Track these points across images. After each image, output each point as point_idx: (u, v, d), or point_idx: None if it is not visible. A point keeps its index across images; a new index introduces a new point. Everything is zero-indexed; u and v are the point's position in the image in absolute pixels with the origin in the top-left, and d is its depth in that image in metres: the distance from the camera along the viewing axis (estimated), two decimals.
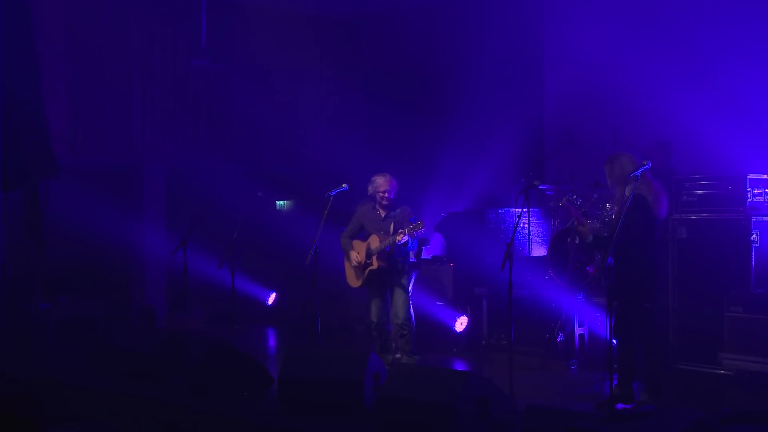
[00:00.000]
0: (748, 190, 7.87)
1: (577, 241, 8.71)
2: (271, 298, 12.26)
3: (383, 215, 8.16)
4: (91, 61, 10.99)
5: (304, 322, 11.26)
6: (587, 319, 8.54)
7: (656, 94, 9.52)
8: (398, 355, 8.73)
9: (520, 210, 6.90)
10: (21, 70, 8.19)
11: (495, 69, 11.47)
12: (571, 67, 10.51)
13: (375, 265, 8.05)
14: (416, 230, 7.76)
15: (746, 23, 8.97)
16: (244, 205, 12.77)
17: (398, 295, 8.10)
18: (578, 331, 8.56)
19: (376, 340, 8.24)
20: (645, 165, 6.42)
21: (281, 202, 12.87)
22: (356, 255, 8.15)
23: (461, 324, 9.54)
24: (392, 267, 8.07)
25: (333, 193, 7.91)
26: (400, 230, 7.80)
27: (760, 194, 7.97)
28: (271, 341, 11.13)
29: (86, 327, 9.46)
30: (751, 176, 7.94)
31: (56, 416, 7.36)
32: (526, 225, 9.56)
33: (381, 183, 8.15)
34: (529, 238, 9.66)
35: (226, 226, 9.92)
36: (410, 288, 8.95)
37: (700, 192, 8.13)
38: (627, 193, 6.42)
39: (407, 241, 7.87)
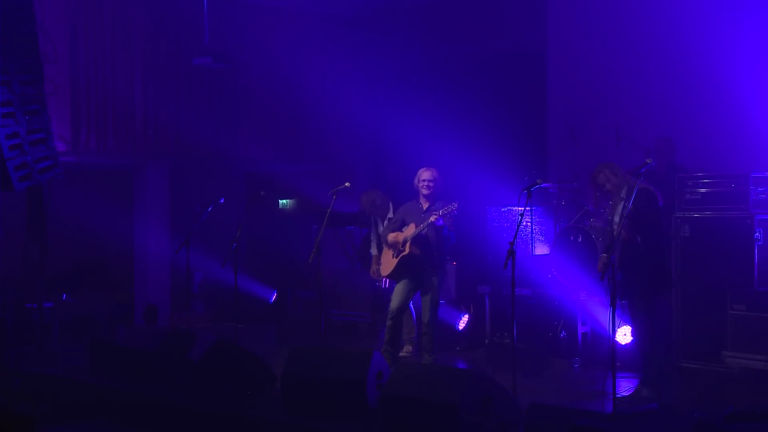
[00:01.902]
0: (752, 188, 7.85)
1: (580, 240, 8.71)
2: (275, 297, 12.27)
3: (425, 207, 8.03)
4: (94, 59, 11.00)
5: (307, 320, 11.26)
6: (590, 317, 8.54)
7: (659, 92, 9.51)
8: (403, 353, 8.74)
9: (523, 208, 6.88)
10: (24, 69, 8.18)
11: (497, 66, 11.47)
12: (573, 65, 10.51)
13: (407, 250, 7.90)
14: (450, 210, 7.65)
15: (748, 21, 8.96)
16: (247, 203, 12.79)
17: (429, 295, 7.96)
18: (581, 329, 8.56)
19: (389, 329, 8.05)
20: (649, 163, 6.45)
21: (284, 201, 12.87)
22: (394, 236, 8.04)
23: (463, 322, 9.54)
24: (427, 257, 7.92)
25: (338, 192, 7.89)
26: (434, 212, 7.72)
27: (763, 192, 7.95)
28: (274, 340, 11.13)
29: (89, 325, 9.46)
30: (754, 174, 7.92)
31: (59, 415, 7.37)
32: (529, 223, 9.55)
33: (423, 172, 8.08)
34: (532, 236, 9.65)
35: (229, 225, 9.96)
36: None
37: (703, 190, 8.11)
38: (623, 195, 6.44)
39: (443, 225, 7.74)
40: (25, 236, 9.49)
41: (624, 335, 8.02)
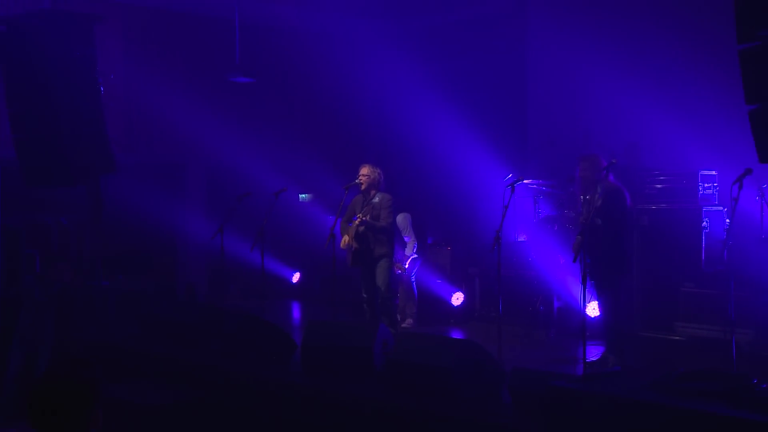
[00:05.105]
0: (700, 184, 7.88)
1: (555, 228, 8.73)
2: (296, 277, 12.31)
3: (368, 200, 7.77)
4: (143, 76, 11.08)
5: (324, 297, 11.31)
6: (564, 294, 8.58)
7: (623, 102, 9.51)
8: (405, 325, 8.78)
9: (507, 201, 6.91)
10: (83, 87, 8.20)
11: (484, 81, 11.46)
12: (550, 79, 10.53)
13: (354, 244, 7.70)
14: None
15: (697, 40, 8.97)
16: (271, 196, 12.78)
17: (378, 273, 7.71)
18: (556, 304, 8.59)
19: (366, 313, 7.85)
20: (614, 162, 6.49)
21: (303, 195, 12.91)
22: (346, 238, 7.82)
23: (458, 299, 9.59)
24: (372, 250, 7.64)
25: (350, 187, 7.90)
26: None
27: (710, 187, 7.99)
28: (296, 314, 11.19)
29: (139, 301, 9.51)
30: (702, 172, 7.96)
31: (114, 375, 7.43)
32: (513, 214, 9.57)
33: (360, 169, 7.90)
34: (515, 225, 9.68)
35: (257, 215, 9.98)
36: (413, 274, 8.93)
37: (659, 186, 8.16)
38: (598, 189, 6.47)
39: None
40: (87, 226, 9.55)
41: (593, 309, 8.06)
